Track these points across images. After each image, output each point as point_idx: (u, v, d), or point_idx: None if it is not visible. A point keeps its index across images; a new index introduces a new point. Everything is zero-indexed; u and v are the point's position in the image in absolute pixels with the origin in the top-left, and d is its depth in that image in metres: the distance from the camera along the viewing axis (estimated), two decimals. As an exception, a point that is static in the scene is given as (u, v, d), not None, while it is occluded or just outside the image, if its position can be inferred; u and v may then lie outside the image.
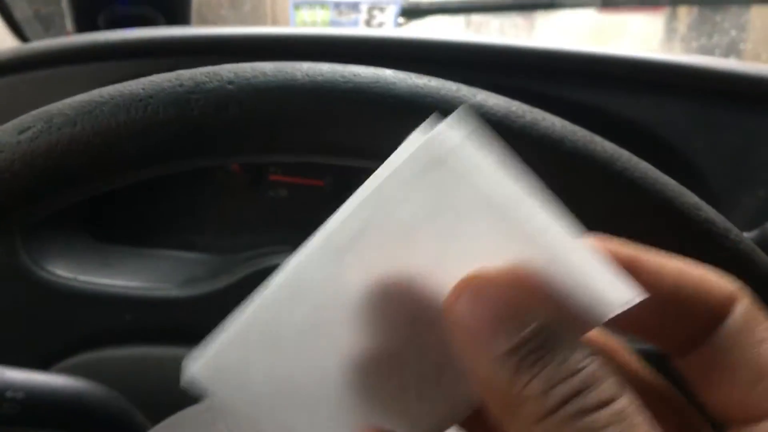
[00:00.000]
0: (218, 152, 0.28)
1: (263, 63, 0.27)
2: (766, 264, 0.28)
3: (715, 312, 0.20)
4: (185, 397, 0.37)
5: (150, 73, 0.62)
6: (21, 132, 0.26)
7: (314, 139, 0.27)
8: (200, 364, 0.20)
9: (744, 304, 0.20)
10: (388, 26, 1.02)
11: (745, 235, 0.48)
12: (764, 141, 0.58)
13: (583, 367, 0.17)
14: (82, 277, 0.66)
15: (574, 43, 0.60)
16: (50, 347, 0.60)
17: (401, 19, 1.03)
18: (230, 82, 0.26)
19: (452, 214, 0.18)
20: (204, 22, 0.96)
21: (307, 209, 0.73)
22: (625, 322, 0.20)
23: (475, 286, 0.18)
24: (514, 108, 0.28)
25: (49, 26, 0.96)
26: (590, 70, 0.59)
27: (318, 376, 0.19)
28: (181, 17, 0.86)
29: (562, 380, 0.17)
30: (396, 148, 0.27)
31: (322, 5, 1.01)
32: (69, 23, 0.84)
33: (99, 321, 0.66)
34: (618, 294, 0.18)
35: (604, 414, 0.16)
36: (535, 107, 0.36)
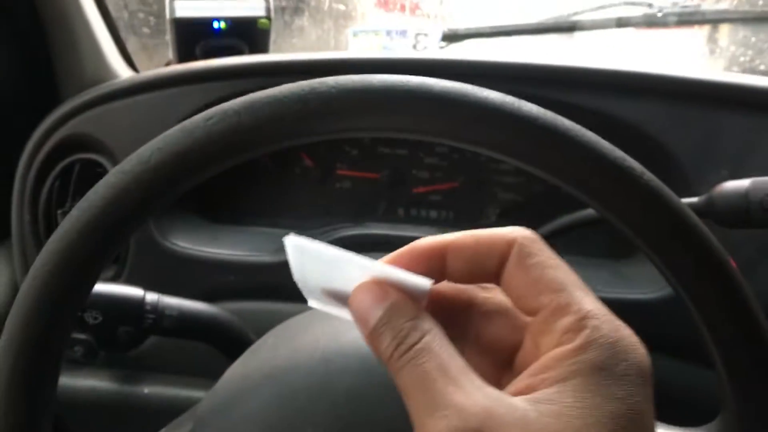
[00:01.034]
0: (322, 132, 0.43)
1: (353, 75, 0.43)
2: (669, 196, 0.42)
3: (502, 254, 0.30)
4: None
5: (240, 91, 0.81)
6: (207, 120, 0.42)
7: (382, 120, 0.43)
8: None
9: (517, 245, 0.30)
10: (432, 49, 1.18)
11: (697, 199, 0.63)
12: (726, 132, 0.72)
13: (402, 327, 0.28)
14: (197, 248, 0.84)
15: (575, 59, 0.77)
16: None
17: (442, 43, 1.18)
18: (333, 87, 0.43)
19: (333, 265, 0.32)
20: (279, 49, 1.13)
21: (366, 197, 0.90)
22: (457, 278, 0.32)
23: (355, 294, 0.31)
24: (507, 99, 0.43)
25: (153, 56, 1.15)
26: (586, 79, 0.75)
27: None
28: (262, 46, 1.03)
29: (394, 337, 0.28)
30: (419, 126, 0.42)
31: (376, 33, 1.17)
32: (171, 53, 1.03)
33: (211, 281, 0.84)
34: (423, 282, 0.30)
35: (412, 352, 0.27)
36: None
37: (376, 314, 0.29)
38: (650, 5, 1.15)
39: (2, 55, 0.90)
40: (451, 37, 1.18)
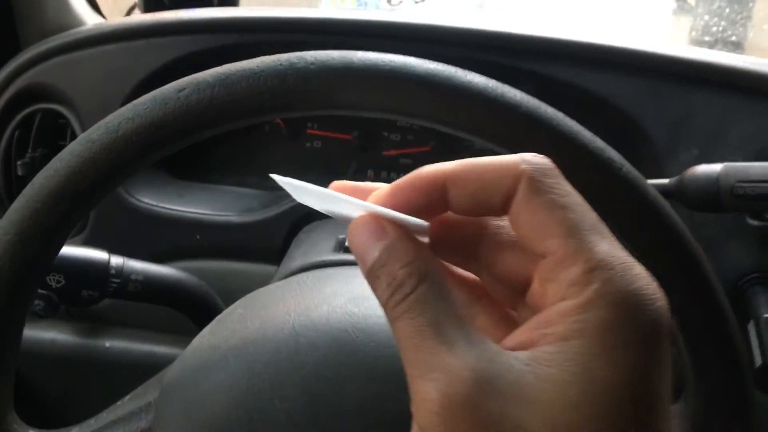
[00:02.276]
0: (300, 109, 0.43)
1: (333, 51, 0.42)
2: (645, 187, 0.43)
3: (509, 189, 0.27)
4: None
5: (211, 47, 0.79)
6: (180, 90, 0.40)
7: (363, 100, 0.42)
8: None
9: (525, 179, 0.26)
10: (407, 5, 1.16)
11: (668, 180, 0.64)
12: (699, 110, 0.73)
13: (397, 274, 0.26)
14: (163, 205, 0.83)
15: (553, 29, 0.76)
16: (141, 259, 0.72)
17: (417, -1, 1.16)
18: (312, 63, 0.42)
19: (330, 201, 0.30)
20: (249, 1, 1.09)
21: (337, 157, 0.89)
22: (460, 212, 0.29)
23: (353, 229, 0.29)
24: (490, 84, 0.43)
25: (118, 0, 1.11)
26: (562, 51, 0.75)
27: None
28: (232, -4, 1.02)
29: (389, 284, 0.27)
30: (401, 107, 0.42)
31: (350, -14, 1.15)
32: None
33: (176, 239, 0.83)
34: (421, 223, 0.28)
35: (406, 303, 0.26)
36: (522, 83, 0.50)
37: (372, 254, 0.28)
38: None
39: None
40: (427, -7, 1.16)
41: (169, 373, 0.48)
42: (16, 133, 0.84)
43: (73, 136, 0.82)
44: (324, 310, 0.47)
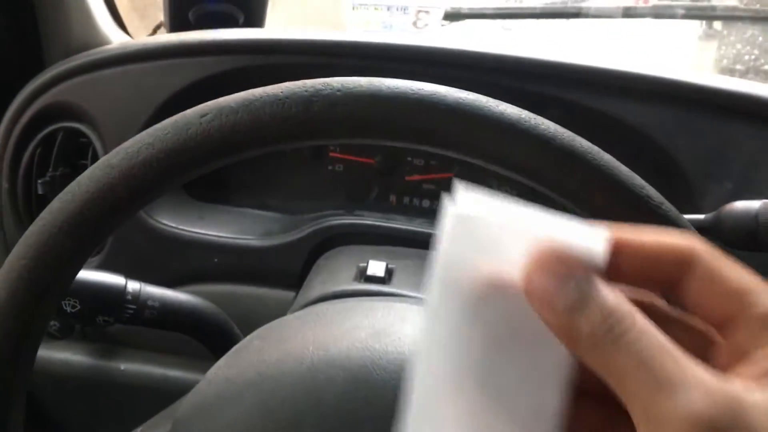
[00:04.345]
0: (325, 137, 0.41)
1: (360, 78, 0.41)
2: (683, 226, 0.41)
3: (684, 261, 0.26)
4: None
5: (235, 68, 0.78)
6: (202, 116, 0.39)
7: (390, 129, 0.41)
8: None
9: (701, 260, 0.26)
10: (433, 27, 1.14)
11: (704, 216, 0.62)
12: (734, 143, 0.71)
13: (601, 310, 0.24)
14: (182, 227, 0.82)
15: (583, 56, 0.74)
16: (158, 281, 0.71)
17: (444, 22, 1.15)
18: (338, 90, 0.40)
19: (497, 244, 0.26)
20: (275, 10, 1.09)
21: (359, 182, 0.87)
22: (628, 279, 0.27)
23: (529, 276, 0.26)
24: (523, 115, 0.41)
25: (144, 16, 1.11)
26: (593, 79, 0.73)
27: None
28: (258, 14, 1.00)
29: (603, 321, 0.24)
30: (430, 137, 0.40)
31: (376, 7, 1.14)
32: (164, 17, 0.99)
33: (194, 262, 0.82)
34: (597, 246, 0.25)
35: (627, 336, 0.23)
36: (550, 109, 0.47)
37: (562, 299, 0.25)
38: (659, -4, 1.14)
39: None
40: (452, 16, 1.15)
41: (183, 405, 0.47)
42: (38, 151, 0.83)
43: (95, 156, 0.82)
44: (344, 345, 0.46)
